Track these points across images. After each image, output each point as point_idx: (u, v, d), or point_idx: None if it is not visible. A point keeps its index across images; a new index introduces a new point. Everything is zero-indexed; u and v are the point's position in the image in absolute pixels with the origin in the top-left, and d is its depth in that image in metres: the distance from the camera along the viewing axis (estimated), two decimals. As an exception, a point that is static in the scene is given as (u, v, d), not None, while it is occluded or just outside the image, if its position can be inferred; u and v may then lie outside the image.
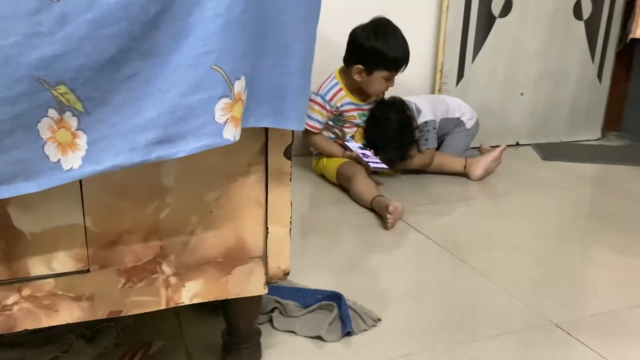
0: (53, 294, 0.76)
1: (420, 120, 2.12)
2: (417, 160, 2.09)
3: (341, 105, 2.05)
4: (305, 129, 1.99)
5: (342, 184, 1.98)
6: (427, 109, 2.14)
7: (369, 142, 2.06)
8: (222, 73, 0.68)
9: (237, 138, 0.71)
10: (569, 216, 1.86)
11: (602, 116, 2.84)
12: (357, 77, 2.01)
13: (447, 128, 2.24)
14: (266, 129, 0.81)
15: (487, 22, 2.46)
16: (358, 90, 2.06)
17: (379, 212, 1.73)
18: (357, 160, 1.95)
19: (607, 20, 2.67)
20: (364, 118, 2.08)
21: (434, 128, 2.12)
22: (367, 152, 1.96)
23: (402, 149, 2.03)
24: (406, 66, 2.03)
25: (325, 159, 2.08)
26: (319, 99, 2.04)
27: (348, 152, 1.99)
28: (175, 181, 0.78)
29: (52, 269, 0.76)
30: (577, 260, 1.54)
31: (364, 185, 1.85)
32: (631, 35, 2.68)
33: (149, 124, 0.66)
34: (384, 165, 1.93)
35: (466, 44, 2.46)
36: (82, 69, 0.62)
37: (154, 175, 0.77)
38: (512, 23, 2.50)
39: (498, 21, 2.48)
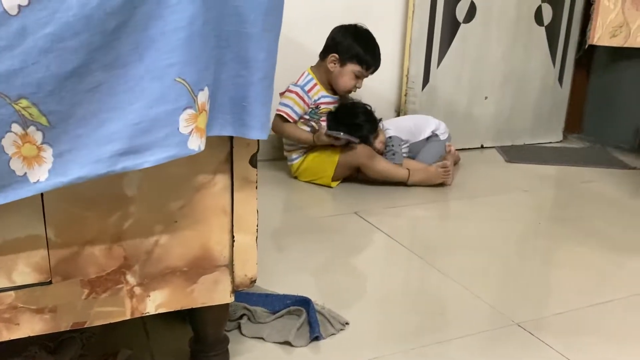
0: (14, 306, 0.75)
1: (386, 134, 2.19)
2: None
3: (318, 99, 2.11)
4: (280, 115, 2.06)
5: (349, 173, 2.09)
6: (392, 128, 2.21)
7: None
8: (186, 85, 0.68)
9: (202, 148, 0.72)
10: (532, 217, 1.91)
11: (563, 119, 2.92)
12: (330, 67, 2.09)
13: (421, 145, 2.28)
14: (231, 138, 0.81)
15: (451, 27, 2.51)
16: (330, 85, 2.14)
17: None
18: (333, 137, 1.99)
19: (566, 26, 2.75)
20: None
21: (399, 144, 2.17)
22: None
23: (370, 123, 2.10)
24: (374, 71, 2.13)
25: (307, 160, 2.09)
26: (298, 89, 2.09)
27: (320, 135, 2.02)
28: (139, 190, 0.78)
29: (13, 281, 0.74)
30: (540, 261, 1.58)
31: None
32: (589, 41, 2.77)
33: (114, 135, 0.66)
34: (355, 139, 2.00)
35: (431, 49, 2.50)
36: (43, 83, 0.62)
37: (117, 185, 0.76)
38: (476, 28, 2.55)
39: (462, 26, 2.52)
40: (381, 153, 2.14)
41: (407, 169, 2.11)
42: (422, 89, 2.52)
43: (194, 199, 0.82)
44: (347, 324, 1.19)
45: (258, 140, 0.83)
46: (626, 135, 2.77)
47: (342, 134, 1.97)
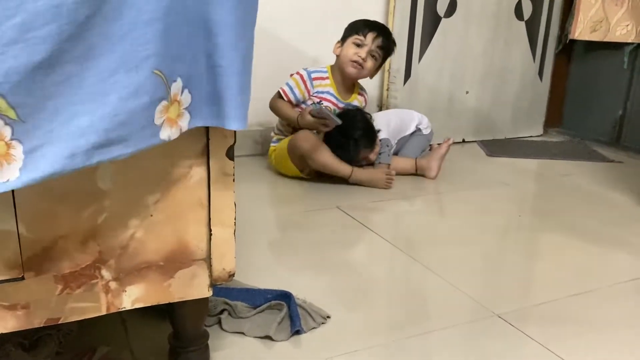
0: (-15, 303, 0.73)
1: None
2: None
3: (320, 92, 2.11)
4: (278, 92, 2.06)
5: (298, 158, 2.01)
6: (384, 131, 2.17)
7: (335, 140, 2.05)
8: (163, 77, 0.67)
9: (172, 138, 0.71)
10: (513, 211, 1.93)
11: (543, 113, 2.95)
12: (336, 52, 2.11)
13: (405, 140, 2.28)
14: (207, 130, 0.80)
15: (432, 22, 2.52)
16: (343, 87, 2.15)
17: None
18: (317, 118, 1.93)
19: (546, 20, 2.78)
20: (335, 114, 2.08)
21: (387, 146, 2.14)
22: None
23: (368, 138, 2.05)
24: (376, 38, 2.08)
25: (280, 145, 2.08)
26: (304, 73, 2.09)
27: (305, 115, 1.98)
28: (113, 184, 0.77)
29: (-17, 278, 0.73)
30: (520, 253, 1.59)
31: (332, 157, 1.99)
32: (570, 36, 2.79)
33: (88, 128, 0.64)
34: (338, 121, 1.92)
35: (413, 44, 2.50)
36: (11, 73, 0.60)
37: (90, 179, 0.75)
38: (457, 23, 2.56)
39: (443, 21, 2.53)
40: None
41: (352, 167, 2.04)
42: (404, 83, 2.52)
43: (170, 192, 0.81)
44: (328, 317, 1.19)
45: (235, 132, 0.82)
46: (605, 129, 2.80)
47: (328, 114, 1.89)
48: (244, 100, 0.76)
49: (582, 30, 2.74)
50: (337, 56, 2.12)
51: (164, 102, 0.69)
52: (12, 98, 0.61)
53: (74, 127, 0.64)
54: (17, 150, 0.62)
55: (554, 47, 2.85)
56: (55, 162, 0.64)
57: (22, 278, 0.75)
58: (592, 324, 1.20)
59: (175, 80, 0.69)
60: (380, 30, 2.10)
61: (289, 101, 2.08)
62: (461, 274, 1.41)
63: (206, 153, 0.81)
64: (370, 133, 2.06)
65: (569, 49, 2.91)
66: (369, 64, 2.10)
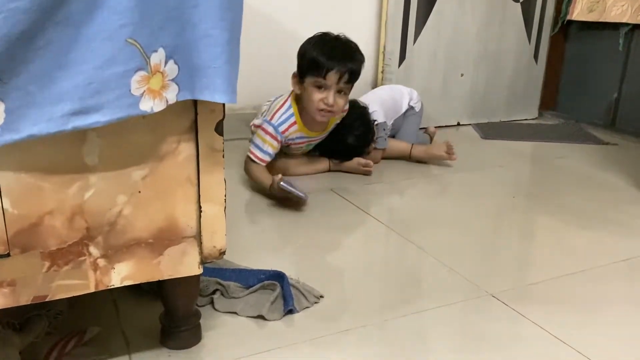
0: (-30, 280, 0.72)
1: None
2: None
3: (292, 139, 1.86)
4: (248, 157, 1.79)
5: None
6: (380, 112, 2.13)
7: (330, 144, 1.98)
8: (138, 46, 0.67)
9: (155, 110, 0.71)
10: (507, 193, 1.92)
11: (538, 96, 2.93)
12: (295, 89, 1.81)
13: (400, 121, 2.26)
14: (195, 104, 0.79)
15: (427, 4, 2.49)
16: (315, 124, 1.86)
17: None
18: (280, 193, 1.63)
19: (542, 2, 2.75)
20: (311, 147, 1.99)
21: (384, 130, 2.12)
22: (295, 186, 1.65)
23: (360, 148, 1.99)
24: (343, 74, 1.73)
25: None
26: (271, 130, 1.79)
27: (274, 185, 1.64)
28: (100, 159, 0.75)
29: (-32, 255, 0.72)
30: (514, 234, 1.59)
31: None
32: (569, 17, 2.77)
33: (65, 95, 0.65)
34: (305, 197, 1.63)
35: (407, 26, 2.48)
36: None
37: (76, 154, 0.74)
38: (452, 5, 2.54)
39: (438, 3, 2.51)
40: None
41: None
42: (399, 65, 2.50)
43: (158, 168, 0.79)
44: (321, 297, 1.18)
45: (224, 107, 0.81)
46: (600, 112, 2.80)
47: (294, 190, 1.60)
48: (232, 72, 0.74)
49: (580, 10, 2.72)
50: (295, 90, 1.83)
51: (142, 73, 0.68)
52: None
53: (52, 92, 0.65)
54: (0, 108, 0.63)
55: (550, 29, 2.83)
56: (34, 124, 0.65)
57: (8, 255, 0.73)
58: (587, 303, 1.20)
59: (156, 51, 0.68)
60: (342, 62, 1.73)
61: (264, 162, 1.78)
62: (455, 255, 1.40)
63: (194, 128, 0.80)
64: (366, 138, 2.00)
65: (564, 31, 2.90)
66: (340, 102, 1.78)
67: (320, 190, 1.83)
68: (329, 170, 2.00)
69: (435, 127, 2.48)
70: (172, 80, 0.71)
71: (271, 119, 1.82)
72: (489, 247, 1.49)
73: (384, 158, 2.13)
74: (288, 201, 1.65)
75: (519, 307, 1.17)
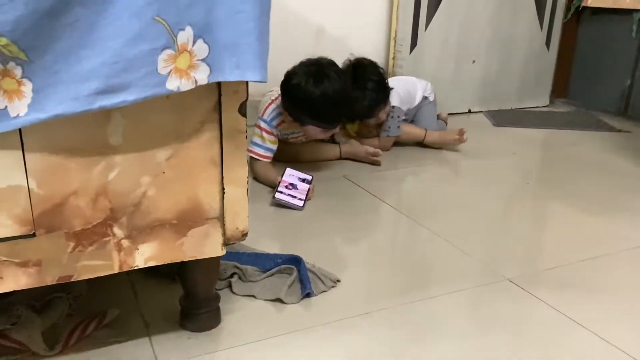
0: (-4, 260, 0.72)
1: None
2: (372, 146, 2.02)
3: (286, 134, 1.86)
4: (250, 157, 1.73)
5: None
6: (396, 98, 2.12)
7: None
8: (165, 24, 0.66)
9: (182, 89, 0.70)
10: (521, 179, 1.91)
11: (550, 83, 2.91)
12: (286, 119, 1.77)
13: (414, 111, 2.24)
14: (219, 85, 0.78)
15: (439, -11, 2.47)
16: None
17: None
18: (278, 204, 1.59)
19: (554, -12, 2.73)
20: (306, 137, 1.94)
21: (399, 117, 2.10)
22: (298, 187, 1.62)
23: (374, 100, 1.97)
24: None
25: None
26: (264, 125, 1.76)
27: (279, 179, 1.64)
28: (124, 140, 0.75)
29: (-5, 234, 0.72)
30: (529, 220, 1.58)
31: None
32: (584, 3, 2.74)
33: (91, 73, 0.65)
34: (298, 205, 1.57)
35: (419, 12, 2.46)
36: (21, 20, 0.60)
37: (100, 134, 0.73)
38: (464, -10, 2.51)
39: (450, -12, 2.48)
40: (381, 123, 2.07)
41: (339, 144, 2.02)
42: (410, 52, 2.49)
43: (182, 149, 0.79)
44: (338, 281, 1.18)
45: (247, 88, 0.80)
46: (613, 99, 2.77)
47: (289, 202, 1.56)
48: (263, 48, 0.73)
49: (596, -5, 2.69)
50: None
51: (169, 51, 0.68)
52: (23, 43, 0.61)
53: (79, 70, 0.64)
54: (27, 87, 0.63)
55: (562, 16, 2.80)
56: (59, 103, 0.64)
57: (34, 235, 0.73)
58: (602, 288, 1.20)
59: (183, 29, 0.68)
60: (345, 116, 1.85)
61: (266, 158, 1.76)
62: (470, 240, 1.40)
63: (218, 109, 0.79)
64: (382, 86, 1.99)
65: (577, 18, 2.87)
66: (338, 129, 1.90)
67: (332, 177, 1.82)
68: (340, 158, 2.00)
69: (447, 114, 2.46)
70: (203, 60, 0.71)
71: (263, 115, 1.79)
72: (503, 232, 1.48)
73: (397, 143, 2.12)
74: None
75: (536, 291, 1.16)
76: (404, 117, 2.15)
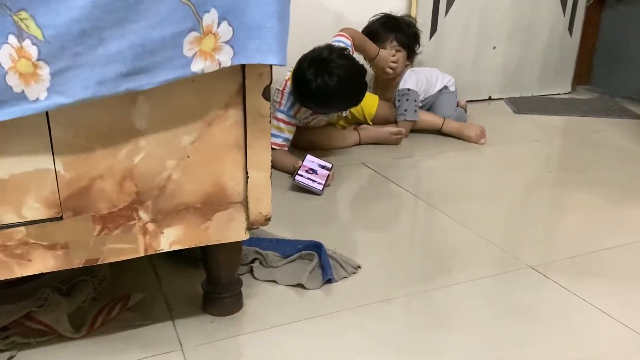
0: (25, 242, 0.73)
1: (403, 86, 2.10)
2: (390, 132, 2.01)
3: (306, 117, 1.84)
4: (272, 147, 1.70)
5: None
6: (412, 81, 2.11)
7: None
8: (191, 6, 0.65)
9: (206, 71, 0.70)
10: (543, 167, 1.89)
11: (572, 70, 2.85)
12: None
13: (432, 99, 2.22)
14: (243, 68, 0.78)
15: (460, -26, 2.43)
16: None
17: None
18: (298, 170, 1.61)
19: (578, -28, 2.67)
20: (334, 118, 1.97)
21: (415, 100, 2.08)
22: (317, 172, 1.62)
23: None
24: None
25: None
26: (282, 116, 1.77)
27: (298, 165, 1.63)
28: (149, 123, 0.75)
29: (23, 217, 0.72)
30: (551, 207, 1.56)
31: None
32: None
33: (116, 56, 0.64)
34: (317, 189, 1.57)
35: (439, -3, 2.42)
36: None
37: (126, 117, 0.74)
38: (485, -25, 2.47)
39: (471, -27, 2.44)
40: (395, 79, 2.09)
41: (357, 130, 2.01)
42: (430, 38, 2.45)
43: (206, 133, 0.79)
44: (359, 267, 1.18)
45: (271, 72, 0.80)
46: (637, 86, 2.71)
47: (309, 186, 1.56)
48: (284, 31, 0.73)
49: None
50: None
51: (194, 33, 0.67)
52: (40, 19, 0.60)
53: (101, 53, 0.64)
54: (44, 70, 0.62)
55: (585, 1, 2.74)
56: (84, 88, 0.64)
57: (61, 218, 0.74)
58: (625, 276, 1.18)
59: (208, 11, 0.67)
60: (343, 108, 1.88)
61: (283, 146, 1.77)
62: (492, 227, 1.39)
63: (242, 93, 0.79)
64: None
65: (600, 2, 2.80)
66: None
67: (351, 163, 1.81)
68: (359, 144, 1.99)
69: (466, 100, 2.43)
70: (227, 42, 0.70)
71: (279, 106, 1.79)
72: (525, 219, 1.47)
73: (415, 130, 2.10)
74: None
75: (559, 279, 1.15)
76: (420, 104, 2.13)
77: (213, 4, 0.68)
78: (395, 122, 2.07)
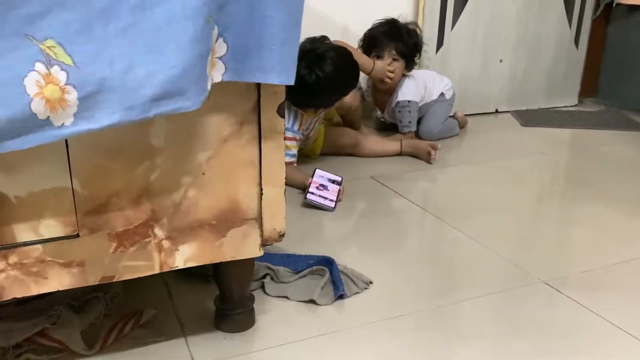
0: (41, 260, 0.73)
1: (402, 97, 2.12)
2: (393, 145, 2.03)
3: (306, 128, 1.86)
4: None
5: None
6: (410, 90, 2.13)
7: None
8: (214, 24, 0.65)
9: (209, 88, 0.70)
10: (552, 180, 1.88)
11: (579, 82, 2.86)
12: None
13: (427, 107, 2.23)
14: (258, 86, 0.78)
15: (466, -12, 2.44)
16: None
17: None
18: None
19: (583, -15, 2.68)
20: (318, 128, 1.95)
21: (416, 111, 2.11)
22: (328, 188, 1.62)
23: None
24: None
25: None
26: (288, 133, 1.75)
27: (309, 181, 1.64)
28: (165, 141, 0.76)
29: (40, 235, 0.73)
30: (561, 221, 1.56)
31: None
32: (617, 0, 2.69)
33: (145, 79, 0.63)
34: (330, 206, 1.57)
35: (445, 11, 2.44)
36: (70, 24, 0.60)
37: (143, 135, 0.74)
38: (491, -11, 2.48)
39: (477, -13, 2.46)
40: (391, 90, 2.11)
41: (400, 140, 2.04)
42: (436, 51, 2.47)
43: (222, 150, 0.79)
44: (370, 283, 1.17)
45: (285, 88, 0.80)
46: (643, 98, 2.71)
47: (320, 203, 1.56)
48: (289, 53, 0.72)
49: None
50: None
51: (211, 51, 0.68)
52: (70, 46, 0.60)
53: (130, 77, 0.63)
54: (72, 95, 0.61)
55: (591, 13, 2.75)
56: (113, 113, 0.63)
57: (77, 235, 0.74)
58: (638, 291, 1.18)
59: (213, 28, 0.68)
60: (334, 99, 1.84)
61: (291, 163, 1.76)
62: (503, 242, 1.38)
63: (257, 110, 0.80)
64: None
65: (606, 15, 2.81)
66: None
67: (360, 177, 1.81)
68: (400, 154, 2.01)
69: (473, 114, 2.44)
70: (219, 58, 0.70)
71: (285, 125, 1.77)
72: (535, 233, 1.46)
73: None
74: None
75: (573, 294, 1.14)
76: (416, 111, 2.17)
77: (216, 22, 0.68)
78: (385, 123, 2.14)
